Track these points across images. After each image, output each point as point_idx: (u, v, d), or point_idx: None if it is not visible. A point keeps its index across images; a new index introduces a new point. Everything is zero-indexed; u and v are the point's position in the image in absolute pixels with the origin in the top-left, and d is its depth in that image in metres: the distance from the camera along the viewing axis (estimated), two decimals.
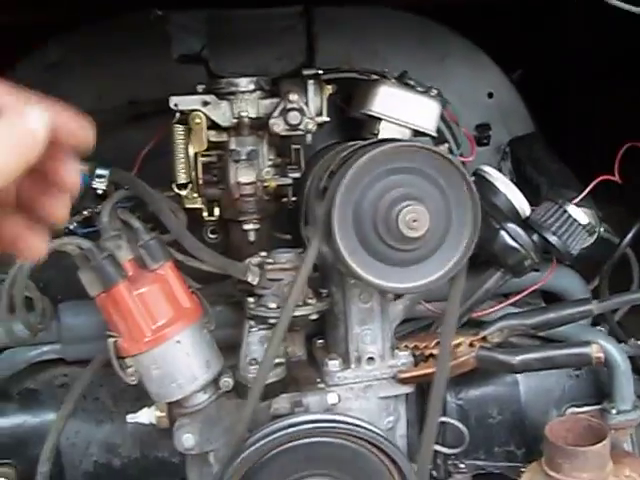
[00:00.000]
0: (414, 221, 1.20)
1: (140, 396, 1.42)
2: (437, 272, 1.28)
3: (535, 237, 1.50)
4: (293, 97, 1.38)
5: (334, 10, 1.70)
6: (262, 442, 1.28)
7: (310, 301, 1.38)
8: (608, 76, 1.90)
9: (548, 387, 1.62)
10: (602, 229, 1.65)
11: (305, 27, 1.68)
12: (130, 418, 1.45)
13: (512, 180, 1.81)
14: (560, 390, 1.62)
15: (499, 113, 1.82)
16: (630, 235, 1.71)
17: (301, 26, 1.68)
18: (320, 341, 1.53)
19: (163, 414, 1.40)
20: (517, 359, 1.43)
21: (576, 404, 1.63)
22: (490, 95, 1.82)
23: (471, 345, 1.46)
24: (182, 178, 1.39)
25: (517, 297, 1.65)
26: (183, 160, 1.38)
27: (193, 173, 1.41)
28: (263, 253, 1.41)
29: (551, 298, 1.79)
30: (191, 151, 1.39)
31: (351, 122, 1.58)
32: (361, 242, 1.23)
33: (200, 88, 1.43)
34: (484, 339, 1.47)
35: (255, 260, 1.38)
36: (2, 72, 1.60)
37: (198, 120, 1.37)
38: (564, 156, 1.83)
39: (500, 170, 1.81)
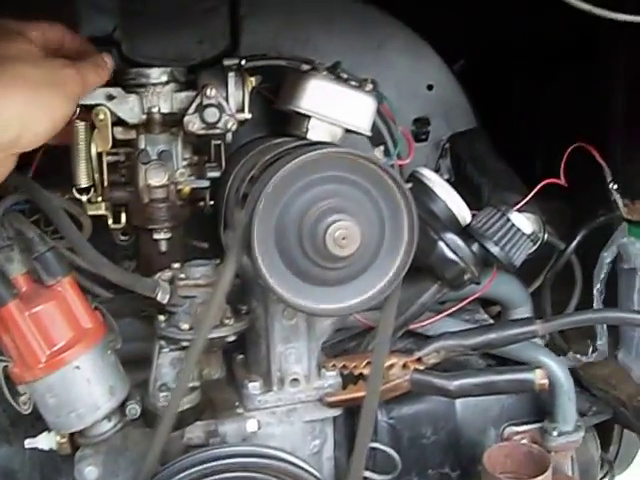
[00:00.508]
0: (343, 238, 1.08)
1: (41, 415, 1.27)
2: (369, 291, 1.17)
3: (475, 247, 1.38)
4: (211, 92, 1.22)
5: None
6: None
7: (227, 321, 1.24)
8: (553, 69, 1.80)
9: (486, 405, 1.49)
10: (546, 235, 1.54)
11: (230, 9, 1.55)
12: (28, 444, 1.30)
13: (451, 179, 1.70)
14: (499, 408, 1.50)
15: (439, 107, 1.70)
16: (575, 243, 1.61)
17: (225, 7, 1.55)
18: (240, 356, 1.40)
19: (64, 440, 1.26)
20: (454, 384, 1.31)
21: (515, 422, 1.51)
22: (430, 87, 1.70)
23: (405, 367, 1.34)
24: (83, 182, 1.22)
25: (455, 307, 1.54)
26: (84, 161, 1.21)
27: (97, 175, 1.24)
28: (175, 265, 1.26)
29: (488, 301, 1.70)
30: (94, 151, 1.22)
31: (278, 114, 1.43)
32: (284, 259, 1.11)
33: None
34: (419, 360, 1.35)
35: (165, 275, 1.23)
36: None
37: (102, 116, 1.21)
38: (507, 153, 1.72)
39: (439, 168, 1.71)
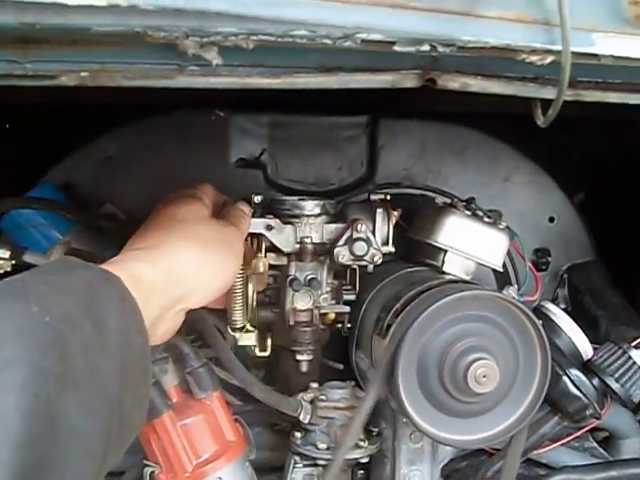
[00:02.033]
0: (484, 377, 1.13)
1: None
2: (499, 426, 1.21)
3: (596, 382, 1.42)
4: (361, 227, 1.31)
5: (401, 123, 1.65)
6: None
7: (362, 443, 1.31)
8: None
9: None
10: None
11: (369, 139, 1.64)
12: None
13: (567, 309, 1.75)
14: None
15: (559, 238, 1.75)
16: None
17: (365, 137, 1.64)
18: (361, 472, 1.44)
19: None
20: None
21: None
22: (552, 219, 1.75)
23: None
24: (239, 323, 1.29)
25: (569, 437, 1.57)
26: (241, 305, 1.29)
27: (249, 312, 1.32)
28: (314, 385, 1.34)
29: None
30: (250, 291, 1.30)
31: (407, 240, 1.50)
32: (423, 390, 1.17)
33: (257, 199, 1.35)
34: None
35: (307, 396, 1.31)
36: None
37: (262, 269, 1.28)
38: (625, 285, 1.76)
39: (556, 297, 1.75)
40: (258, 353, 1.38)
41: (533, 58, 0.73)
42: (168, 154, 1.57)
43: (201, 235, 1.06)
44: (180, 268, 1.00)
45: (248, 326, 1.32)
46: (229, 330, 1.31)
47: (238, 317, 1.29)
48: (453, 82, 0.78)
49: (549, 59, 0.73)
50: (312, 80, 0.76)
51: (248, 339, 1.33)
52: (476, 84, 0.79)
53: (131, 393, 0.83)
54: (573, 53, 0.71)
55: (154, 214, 1.11)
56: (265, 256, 1.31)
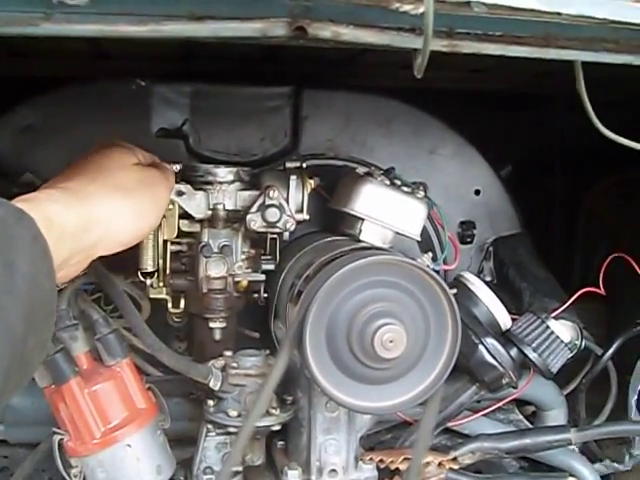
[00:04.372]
0: (390, 342, 1.13)
1: None
2: (411, 392, 1.21)
3: (514, 352, 1.43)
4: (273, 193, 1.30)
5: (325, 94, 1.65)
6: None
7: (274, 411, 1.30)
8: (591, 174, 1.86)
9: None
10: (584, 342, 1.57)
11: (293, 109, 1.63)
12: None
13: (493, 281, 1.75)
14: None
15: (485, 211, 1.75)
16: (611, 350, 1.64)
17: (289, 108, 1.64)
18: (280, 442, 1.45)
19: None
20: None
21: None
22: (477, 192, 1.75)
23: (440, 465, 1.38)
24: (149, 266, 1.30)
25: (491, 408, 1.58)
26: (152, 248, 1.29)
27: (160, 261, 1.32)
28: (228, 353, 1.33)
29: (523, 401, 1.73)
30: (161, 238, 1.30)
31: (330, 211, 1.50)
32: (332, 356, 1.17)
33: (176, 167, 1.33)
34: (454, 460, 1.39)
35: (218, 363, 1.30)
36: None
37: (171, 206, 1.29)
38: (547, 254, 1.77)
39: (482, 270, 1.76)
40: (171, 309, 1.37)
41: (406, 7, 0.73)
42: (89, 123, 1.55)
43: (123, 184, 1.07)
44: (94, 216, 1.00)
45: (160, 283, 1.32)
46: (139, 275, 1.32)
47: (149, 261, 1.30)
48: (324, 31, 0.77)
49: (422, 8, 0.72)
50: (181, 28, 0.75)
51: (159, 293, 1.33)
52: (349, 33, 0.79)
53: (34, 336, 0.82)
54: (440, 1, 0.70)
55: (84, 156, 1.12)
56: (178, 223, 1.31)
